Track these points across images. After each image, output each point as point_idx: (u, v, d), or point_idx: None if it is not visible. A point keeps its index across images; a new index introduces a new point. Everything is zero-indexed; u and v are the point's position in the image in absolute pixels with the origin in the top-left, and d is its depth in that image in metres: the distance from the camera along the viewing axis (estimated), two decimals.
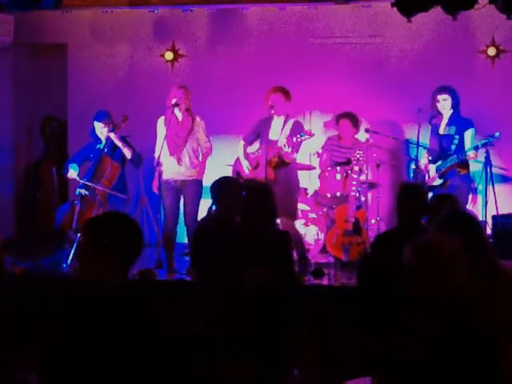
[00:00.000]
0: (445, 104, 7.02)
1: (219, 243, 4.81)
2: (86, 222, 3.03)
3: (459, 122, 7.04)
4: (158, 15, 8.49)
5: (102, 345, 2.76)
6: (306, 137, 6.83)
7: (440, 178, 7.03)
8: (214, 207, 5.56)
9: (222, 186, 5.46)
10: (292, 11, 8.36)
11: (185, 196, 7.05)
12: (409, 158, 7.67)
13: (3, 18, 8.08)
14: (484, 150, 7.25)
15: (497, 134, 6.79)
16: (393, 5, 6.67)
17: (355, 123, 7.69)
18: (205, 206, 7.18)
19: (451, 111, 7.05)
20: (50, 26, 8.69)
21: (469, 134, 7.01)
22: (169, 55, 8.62)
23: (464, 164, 7.00)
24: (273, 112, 7.02)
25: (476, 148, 6.85)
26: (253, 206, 4.90)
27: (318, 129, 8.24)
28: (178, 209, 7.11)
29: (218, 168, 7.70)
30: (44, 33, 8.74)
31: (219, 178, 5.74)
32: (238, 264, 4.48)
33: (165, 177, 6.97)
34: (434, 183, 7.06)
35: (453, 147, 6.99)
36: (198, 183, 7.05)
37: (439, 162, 7.04)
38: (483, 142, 6.84)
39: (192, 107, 7.02)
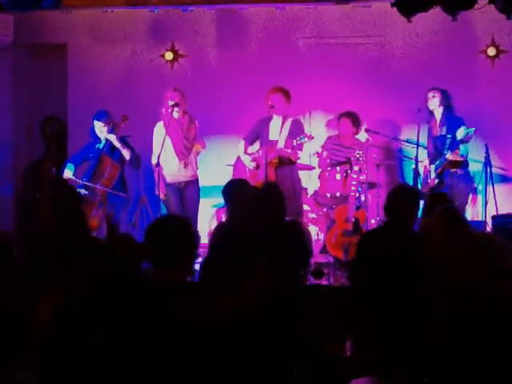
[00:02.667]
0: (433, 101, 7.07)
1: (234, 244, 4.83)
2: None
3: (450, 121, 7.09)
4: (157, 15, 8.49)
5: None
6: (306, 139, 6.86)
7: (437, 178, 7.08)
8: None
9: (233, 188, 5.49)
10: (292, 11, 8.36)
11: (186, 196, 7.07)
12: (408, 158, 7.67)
13: (3, 18, 8.08)
14: (484, 151, 7.28)
15: (470, 130, 6.78)
16: (393, 5, 6.67)
17: (355, 123, 7.70)
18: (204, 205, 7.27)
19: (441, 110, 7.08)
20: (50, 26, 8.69)
21: (461, 133, 7.01)
22: (169, 55, 8.62)
23: (454, 163, 7.00)
24: (273, 111, 7.03)
25: (455, 147, 6.84)
26: (268, 205, 4.95)
27: (318, 129, 8.25)
28: (181, 210, 7.11)
29: (217, 168, 7.73)
30: (44, 33, 8.73)
31: (231, 180, 5.79)
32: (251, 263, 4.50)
33: (168, 180, 6.99)
34: (433, 184, 7.10)
35: (446, 147, 7.01)
36: (196, 182, 7.13)
37: (437, 162, 7.09)
38: (459, 139, 6.85)
39: (188, 110, 7.03)
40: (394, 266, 3.23)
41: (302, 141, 6.84)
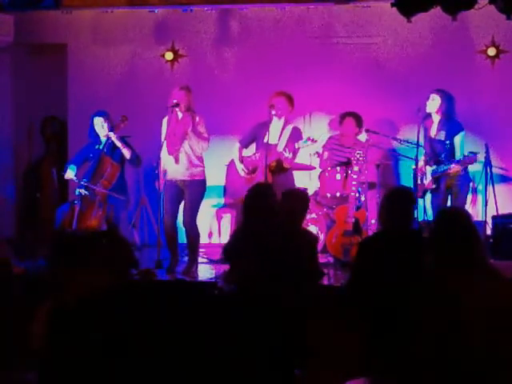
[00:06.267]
0: (432, 103, 6.91)
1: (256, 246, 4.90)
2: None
3: (449, 126, 6.89)
4: (157, 15, 8.50)
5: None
6: (309, 143, 6.86)
7: (434, 183, 6.97)
8: None
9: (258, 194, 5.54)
10: (292, 11, 8.37)
11: (185, 196, 6.89)
12: (408, 158, 7.66)
13: (3, 18, 8.09)
14: (484, 151, 7.27)
15: (478, 153, 6.71)
16: (393, 5, 6.67)
17: (359, 123, 7.73)
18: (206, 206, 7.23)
19: (439, 115, 6.96)
20: (49, 26, 8.70)
21: (458, 139, 6.87)
22: (169, 55, 8.62)
23: (454, 173, 6.92)
24: (273, 113, 6.99)
25: (458, 162, 6.69)
26: (291, 210, 5.22)
27: (318, 129, 8.25)
28: (177, 206, 6.91)
29: (217, 168, 7.72)
30: (44, 33, 8.74)
31: (256, 185, 5.93)
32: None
33: (168, 177, 6.87)
34: (430, 186, 7.01)
35: (444, 153, 6.90)
36: (199, 183, 6.84)
37: (434, 167, 6.96)
38: (465, 156, 6.67)
39: (194, 107, 6.95)
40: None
41: (305, 144, 6.84)
